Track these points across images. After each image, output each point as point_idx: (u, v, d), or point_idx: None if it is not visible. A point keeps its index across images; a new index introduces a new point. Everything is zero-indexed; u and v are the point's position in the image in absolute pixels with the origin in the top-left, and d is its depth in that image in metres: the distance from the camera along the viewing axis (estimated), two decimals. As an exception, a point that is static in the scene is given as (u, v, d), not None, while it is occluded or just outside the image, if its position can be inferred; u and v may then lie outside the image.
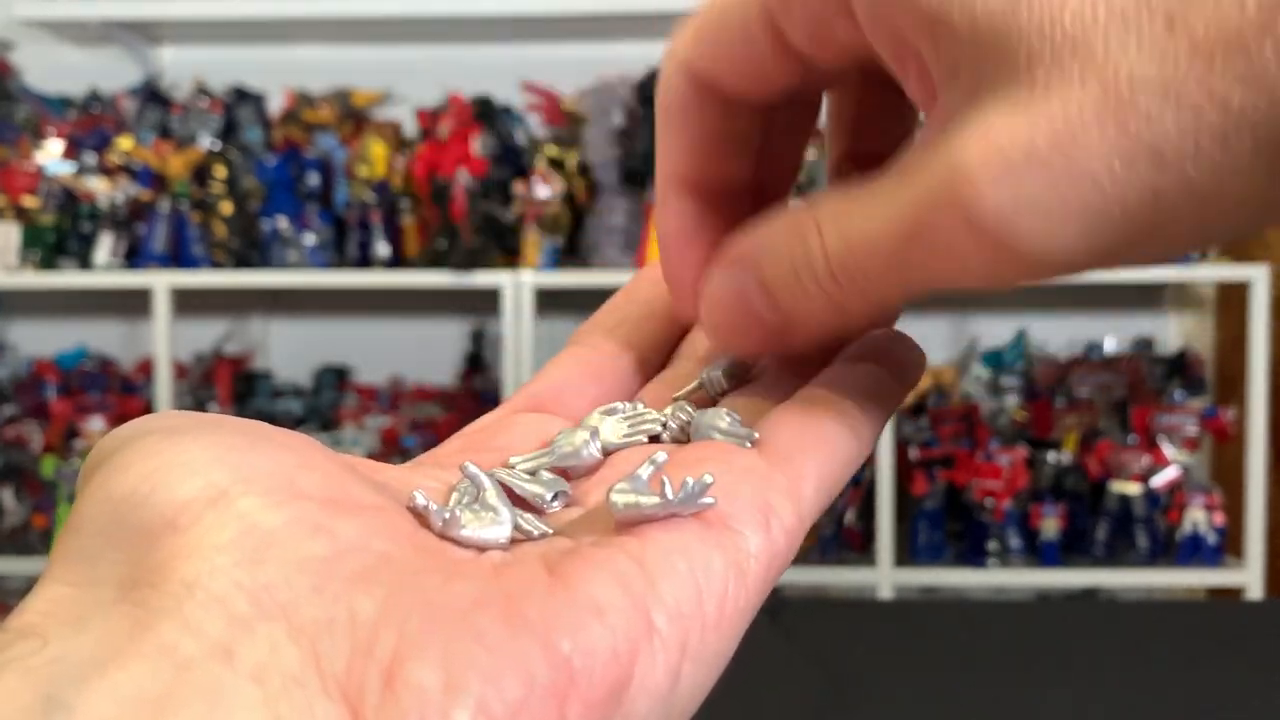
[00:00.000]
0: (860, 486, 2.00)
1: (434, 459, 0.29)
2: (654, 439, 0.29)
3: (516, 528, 0.23)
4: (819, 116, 0.32)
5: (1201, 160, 0.20)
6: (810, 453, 0.27)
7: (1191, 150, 0.20)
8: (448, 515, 0.22)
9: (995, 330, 2.20)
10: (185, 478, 0.20)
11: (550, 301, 2.04)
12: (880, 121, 0.31)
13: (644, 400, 0.31)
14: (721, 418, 0.28)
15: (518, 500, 0.25)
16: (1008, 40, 0.22)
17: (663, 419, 0.29)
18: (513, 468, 0.27)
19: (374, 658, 0.19)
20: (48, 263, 2.06)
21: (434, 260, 2.00)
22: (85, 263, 2.06)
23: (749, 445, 0.27)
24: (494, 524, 0.23)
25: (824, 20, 0.25)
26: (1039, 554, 1.96)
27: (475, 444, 0.29)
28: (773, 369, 0.32)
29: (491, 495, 0.23)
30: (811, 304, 0.26)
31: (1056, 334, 2.20)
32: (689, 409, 0.29)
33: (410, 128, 2.14)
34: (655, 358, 0.33)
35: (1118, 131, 0.21)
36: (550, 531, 0.24)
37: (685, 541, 0.22)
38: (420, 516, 0.23)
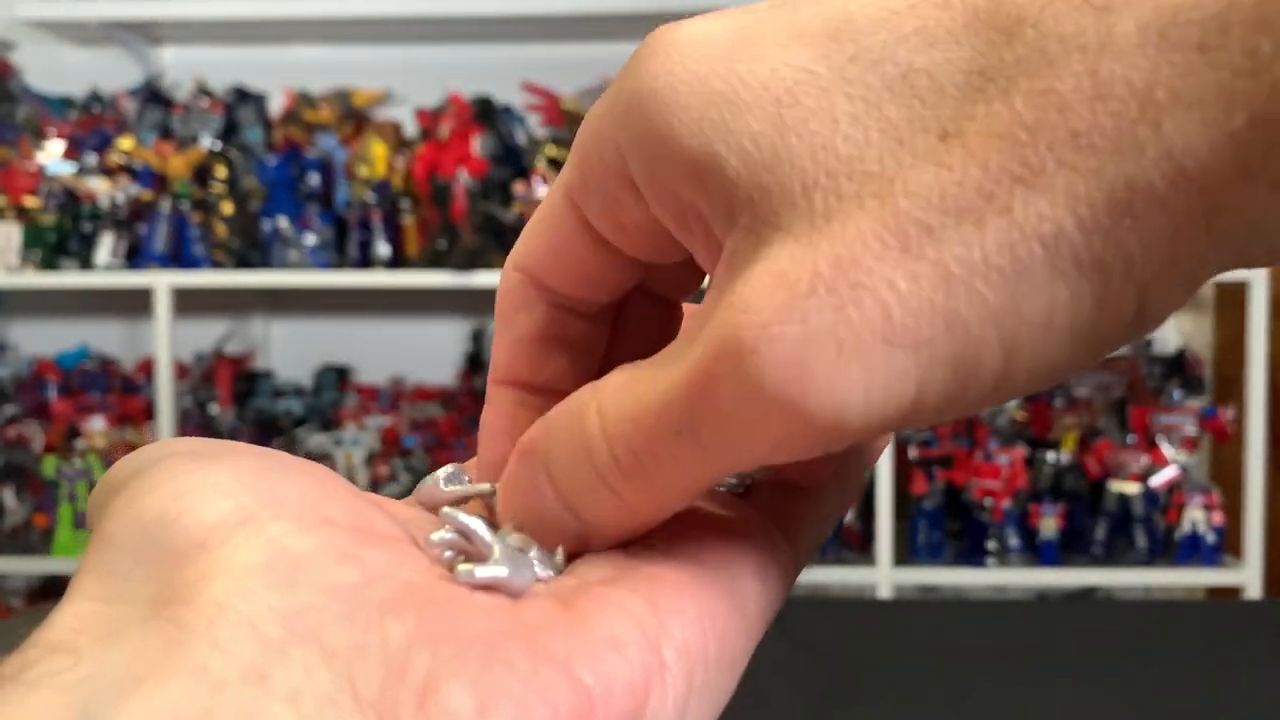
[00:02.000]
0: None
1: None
2: None
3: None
4: (679, 315, 0.29)
5: (991, 274, 0.19)
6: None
7: (979, 264, 0.19)
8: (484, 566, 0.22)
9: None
10: (215, 500, 0.21)
11: (550, 301, 2.04)
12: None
13: None
14: None
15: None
16: (781, 170, 0.20)
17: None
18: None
19: (407, 682, 0.19)
20: (49, 263, 2.06)
21: (434, 260, 2.00)
22: (86, 263, 2.06)
23: (741, 489, 0.27)
24: (518, 566, 0.23)
25: (615, 199, 0.24)
26: (1038, 553, 1.96)
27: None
28: None
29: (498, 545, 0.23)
30: (599, 499, 0.23)
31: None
32: None
33: (411, 128, 2.15)
34: None
35: (899, 249, 0.19)
36: (555, 574, 0.24)
37: (691, 587, 0.23)
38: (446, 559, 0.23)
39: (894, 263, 0.19)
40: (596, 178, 0.24)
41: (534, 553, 0.24)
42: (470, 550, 0.22)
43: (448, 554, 0.22)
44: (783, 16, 0.22)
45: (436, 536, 0.22)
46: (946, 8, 0.20)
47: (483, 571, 0.21)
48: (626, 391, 0.23)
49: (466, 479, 0.27)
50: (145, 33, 2.29)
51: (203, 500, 0.21)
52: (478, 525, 0.22)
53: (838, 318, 0.19)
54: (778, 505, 0.27)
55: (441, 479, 0.27)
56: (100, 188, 2.07)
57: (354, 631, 0.19)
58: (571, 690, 0.20)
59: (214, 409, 2.20)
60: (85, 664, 0.19)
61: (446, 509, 0.23)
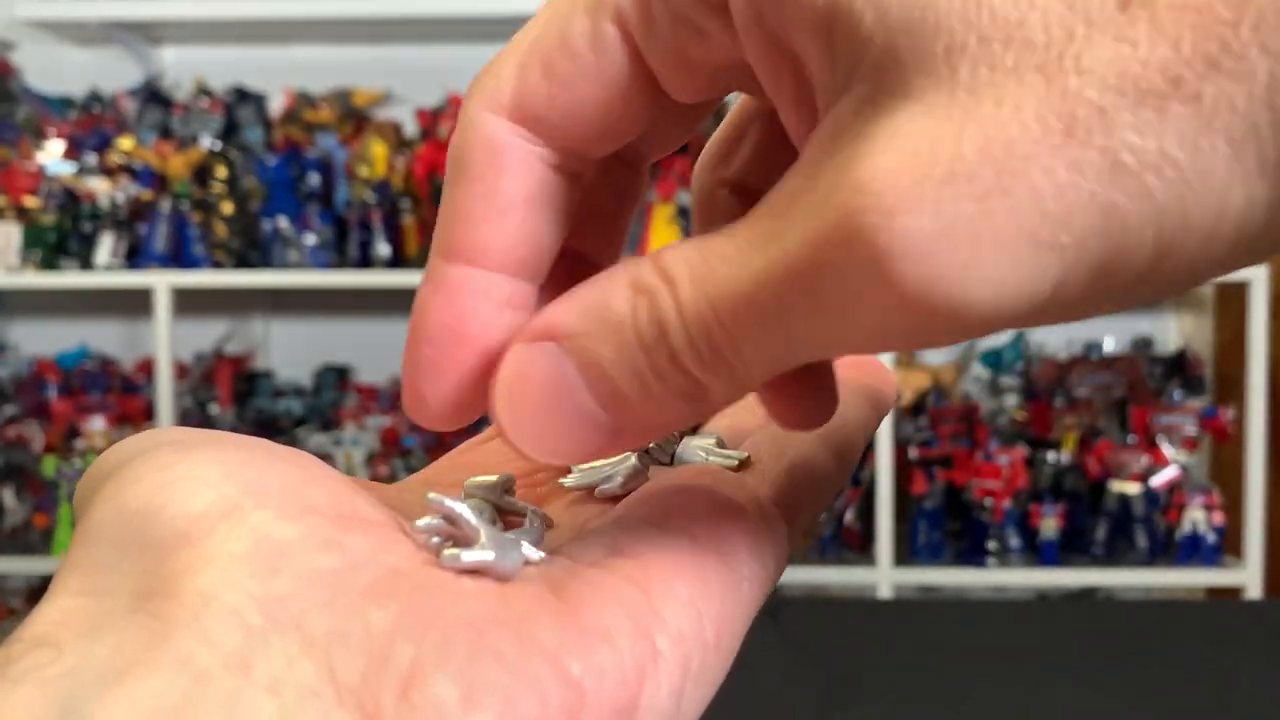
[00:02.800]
0: (860, 486, 2.00)
1: (424, 479, 0.28)
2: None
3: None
4: (646, 177, 0.26)
5: (1165, 169, 0.17)
6: (786, 460, 0.26)
7: (1153, 155, 0.16)
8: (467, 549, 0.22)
9: (995, 330, 2.20)
10: (198, 490, 0.20)
11: (550, 301, 2.03)
12: (765, 154, 0.26)
13: None
14: (709, 439, 0.27)
15: (511, 524, 0.25)
16: (922, 30, 0.18)
17: (649, 445, 0.27)
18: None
19: (390, 669, 0.19)
20: (49, 263, 2.06)
21: (434, 260, 1.99)
22: (86, 263, 2.06)
23: (735, 464, 0.26)
24: (506, 549, 0.22)
25: (696, 30, 0.21)
26: (1038, 553, 1.96)
27: (465, 463, 0.28)
28: None
29: (485, 527, 0.23)
30: (661, 389, 0.21)
31: (1055, 334, 2.20)
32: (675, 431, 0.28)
33: (411, 128, 2.14)
34: None
35: (1064, 134, 0.17)
36: (543, 555, 0.23)
37: (684, 568, 0.22)
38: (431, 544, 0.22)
39: (1054, 149, 0.17)
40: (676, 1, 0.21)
41: (525, 533, 0.23)
42: (457, 535, 0.22)
43: (434, 540, 0.22)
44: None
45: (422, 523, 0.22)
46: None
47: (469, 556, 0.21)
48: (707, 268, 0.20)
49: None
50: (145, 33, 2.29)
51: (186, 491, 0.20)
52: (463, 509, 0.22)
53: (979, 209, 0.17)
54: (774, 480, 0.26)
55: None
56: (100, 188, 2.07)
57: (335, 619, 0.19)
58: (560, 682, 0.20)
59: (214, 409, 2.19)
60: (68, 658, 0.18)
61: (431, 494, 0.22)
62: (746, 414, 0.29)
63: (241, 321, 2.36)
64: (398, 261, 2.04)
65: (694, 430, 0.29)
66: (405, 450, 2.12)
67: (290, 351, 2.37)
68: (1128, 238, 0.17)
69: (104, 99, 2.20)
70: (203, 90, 2.17)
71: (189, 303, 2.12)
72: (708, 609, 0.22)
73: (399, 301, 2.32)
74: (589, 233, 0.26)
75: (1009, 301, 0.17)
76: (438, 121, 2.06)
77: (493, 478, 0.26)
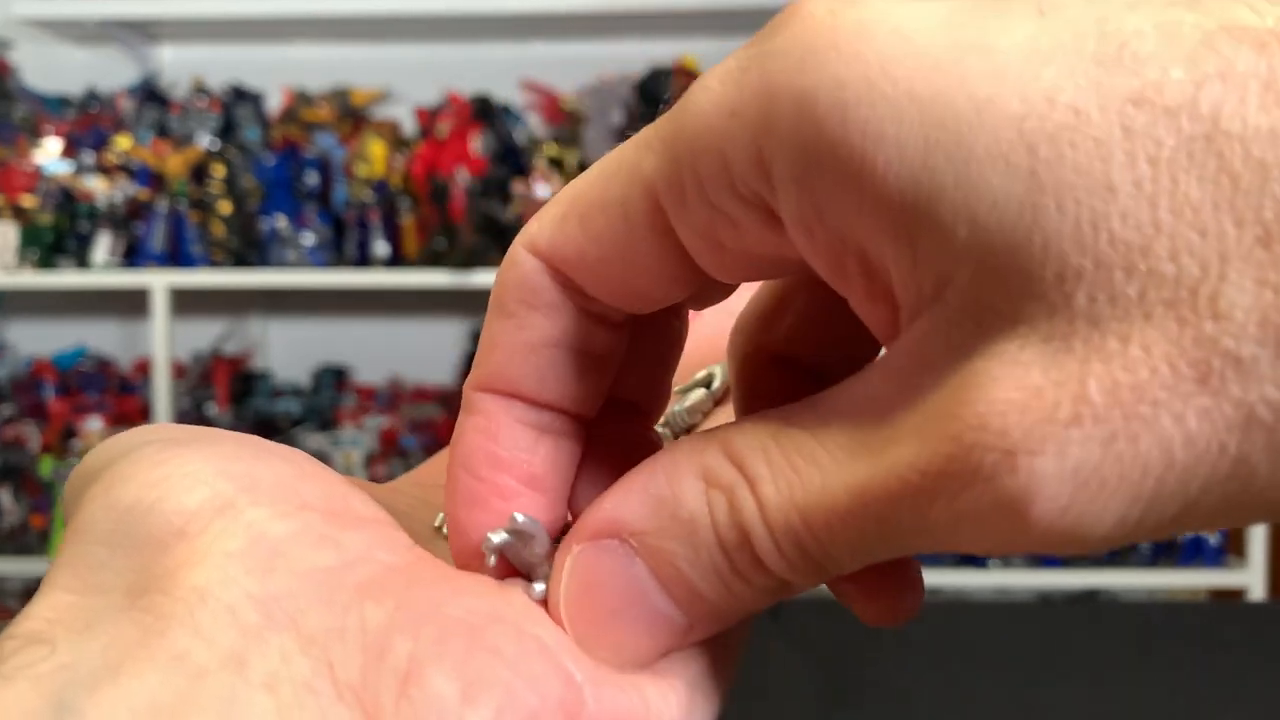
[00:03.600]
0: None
1: (417, 479, 0.28)
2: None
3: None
4: (687, 326, 0.25)
5: None
6: None
7: None
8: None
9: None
10: (192, 487, 0.20)
11: (550, 301, 2.03)
12: (813, 324, 0.24)
13: None
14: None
15: None
16: (1029, 251, 0.16)
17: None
18: None
19: (388, 665, 0.19)
20: (46, 262, 2.05)
21: (433, 260, 1.99)
22: (83, 262, 2.06)
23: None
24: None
25: (727, 217, 0.19)
26: (1041, 555, 1.95)
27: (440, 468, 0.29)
28: None
29: (539, 546, 0.22)
30: (743, 589, 0.20)
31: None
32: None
33: (409, 127, 2.14)
34: None
35: (1197, 382, 0.15)
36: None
37: None
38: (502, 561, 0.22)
39: (1186, 396, 0.15)
40: (710, 185, 0.19)
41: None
42: (518, 553, 0.21)
43: (491, 559, 0.21)
44: (1024, 18, 0.17)
45: (497, 539, 0.21)
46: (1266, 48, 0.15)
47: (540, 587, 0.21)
48: (792, 473, 0.19)
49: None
50: (143, 32, 2.28)
51: (179, 487, 0.20)
52: (537, 528, 0.21)
53: (1105, 453, 0.16)
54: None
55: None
56: (97, 187, 2.07)
57: (332, 615, 0.19)
58: (560, 681, 0.19)
59: (212, 409, 2.19)
60: (61, 654, 0.18)
61: (518, 514, 0.21)
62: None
63: (239, 321, 2.36)
64: (396, 261, 2.03)
65: None
66: (403, 451, 2.12)
67: (288, 351, 2.36)
68: (1252, 486, 0.16)
69: (101, 98, 2.20)
70: (200, 89, 2.16)
71: (186, 302, 2.12)
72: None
73: (397, 301, 2.31)
74: (632, 377, 0.24)
75: (1129, 530, 0.16)
76: (436, 120, 2.06)
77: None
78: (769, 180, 0.18)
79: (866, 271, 0.18)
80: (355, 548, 0.20)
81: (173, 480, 0.20)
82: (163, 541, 0.19)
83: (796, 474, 0.19)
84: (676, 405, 0.28)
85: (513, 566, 0.22)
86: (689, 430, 0.28)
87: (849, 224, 0.17)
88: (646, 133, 0.20)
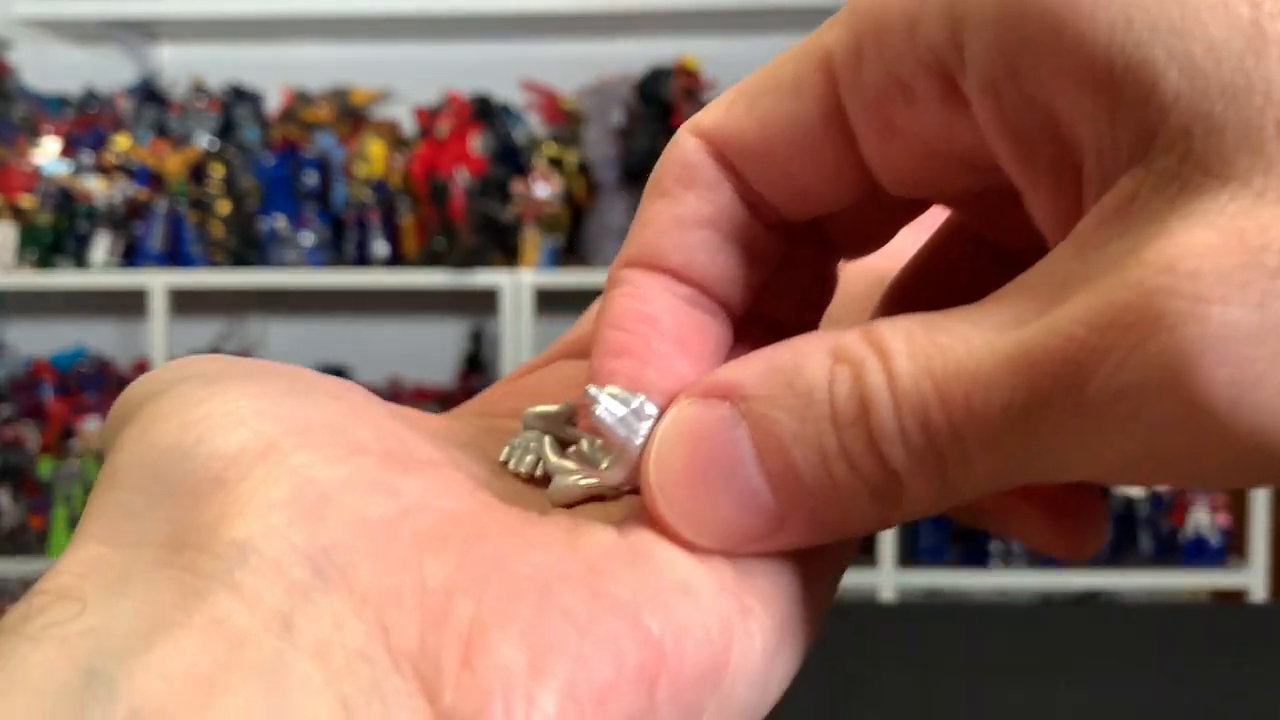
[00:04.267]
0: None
1: (479, 407, 0.26)
2: None
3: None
4: (838, 277, 0.24)
5: None
6: None
7: None
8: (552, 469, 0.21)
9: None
10: (232, 428, 0.18)
11: (549, 301, 2.03)
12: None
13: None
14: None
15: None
16: (1248, 97, 0.15)
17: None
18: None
19: (449, 630, 0.17)
20: (45, 262, 2.05)
21: (432, 260, 1.99)
22: (82, 262, 2.05)
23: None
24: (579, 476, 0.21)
25: (906, 88, 0.18)
26: (1042, 555, 1.95)
27: (520, 389, 0.26)
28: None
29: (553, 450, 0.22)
30: (847, 478, 0.18)
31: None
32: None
33: (409, 126, 2.14)
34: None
35: None
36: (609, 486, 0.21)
37: None
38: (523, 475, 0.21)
39: None
40: (890, 51, 0.18)
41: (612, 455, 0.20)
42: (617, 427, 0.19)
43: (603, 414, 0.19)
44: None
45: (599, 393, 0.20)
46: None
47: (581, 480, 0.20)
48: (933, 346, 0.17)
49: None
50: (142, 31, 2.28)
51: (219, 429, 0.18)
52: (644, 404, 0.20)
53: None
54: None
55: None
56: (96, 187, 2.06)
57: (388, 572, 0.17)
58: (637, 642, 0.17)
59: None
60: (90, 614, 0.16)
61: (591, 388, 0.20)
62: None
63: (238, 321, 2.36)
64: (395, 261, 2.03)
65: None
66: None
67: (287, 351, 2.36)
68: None
69: (100, 98, 2.20)
70: (199, 89, 2.16)
71: (185, 302, 2.11)
72: (798, 559, 0.19)
73: (397, 301, 2.31)
74: (778, 309, 0.23)
75: None
76: (436, 120, 2.06)
77: (554, 407, 0.23)
78: (957, 42, 0.17)
79: (1055, 139, 0.17)
80: (413, 494, 0.19)
81: (212, 420, 0.18)
82: (200, 490, 0.18)
83: (939, 347, 0.17)
84: None
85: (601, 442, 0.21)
86: None
87: (1044, 83, 0.16)
88: (834, 16, 0.19)
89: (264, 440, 0.18)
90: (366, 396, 0.21)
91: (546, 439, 0.22)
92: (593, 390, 0.20)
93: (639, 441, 0.20)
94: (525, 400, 0.24)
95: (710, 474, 0.19)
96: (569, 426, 0.23)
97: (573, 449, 0.22)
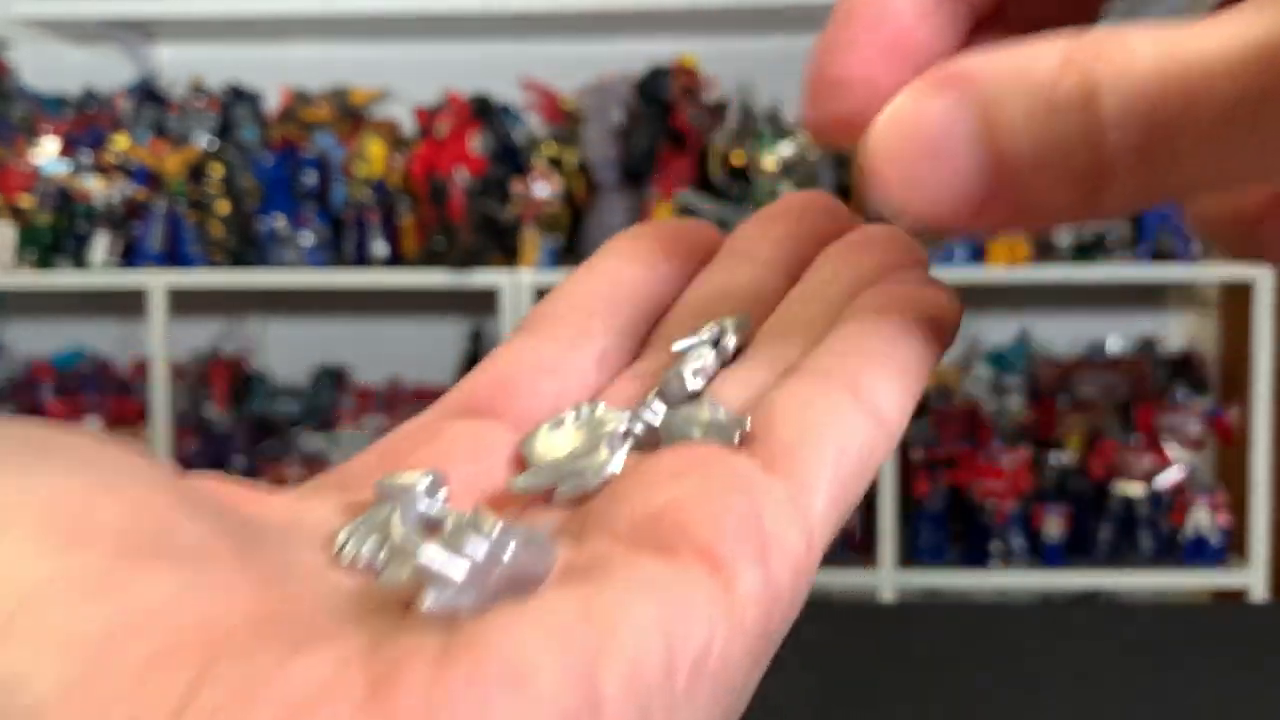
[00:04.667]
0: (861, 487, 1.99)
1: (339, 478, 0.22)
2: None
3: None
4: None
5: None
6: (819, 445, 0.20)
7: None
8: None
9: (998, 330, 2.19)
10: None
11: (549, 301, 2.02)
12: None
13: (608, 400, 0.24)
14: (702, 409, 0.22)
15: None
16: None
17: (625, 425, 0.23)
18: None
19: None
20: (44, 262, 2.05)
21: (432, 260, 1.98)
22: (81, 262, 2.05)
23: (737, 440, 0.21)
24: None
25: None
26: (1042, 555, 1.95)
27: (395, 458, 0.22)
28: (771, 332, 0.25)
29: (400, 529, 0.19)
30: (1059, 161, 0.18)
31: (1059, 334, 2.19)
32: (656, 406, 0.23)
33: (408, 126, 2.13)
34: (625, 345, 0.26)
35: None
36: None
37: (654, 582, 0.17)
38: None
39: None
40: None
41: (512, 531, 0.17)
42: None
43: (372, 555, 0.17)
44: None
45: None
46: None
47: (441, 571, 0.16)
48: (1155, 45, 0.16)
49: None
50: (141, 31, 2.28)
51: None
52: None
53: None
54: (820, 484, 0.20)
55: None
56: (95, 187, 2.06)
57: (88, 713, 0.13)
58: None
59: (210, 410, 2.18)
60: None
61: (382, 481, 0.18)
62: (764, 367, 0.24)
63: (237, 321, 2.35)
64: (395, 261, 2.03)
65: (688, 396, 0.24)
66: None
67: (287, 352, 2.36)
68: None
69: (99, 98, 2.19)
70: (198, 89, 2.16)
71: (184, 302, 2.11)
72: (684, 643, 0.17)
73: (396, 301, 2.30)
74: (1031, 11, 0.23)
75: None
76: (435, 120, 2.05)
77: (414, 474, 0.20)
78: None
79: None
80: (153, 596, 0.15)
81: None
82: None
83: (1177, 40, 0.16)
84: (675, 367, 0.24)
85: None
86: (690, 399, 0.24)
87: None
88: None
89: None
90: (140, 466, 0.17)
91: (397, 515, 0.19)
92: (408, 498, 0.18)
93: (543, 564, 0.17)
94: (391, 470, 0.21)
95: (932, 151, 0.19)
96: (432, 499, 0.20)
97: (442, 531, 0.19)
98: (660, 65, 1.99)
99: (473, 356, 2.28)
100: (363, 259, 2.03)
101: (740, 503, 0.19)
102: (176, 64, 2.32)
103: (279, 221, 2.02)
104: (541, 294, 1.97)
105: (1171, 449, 1.96)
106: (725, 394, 0.23)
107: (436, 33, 2.24)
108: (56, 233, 2.06)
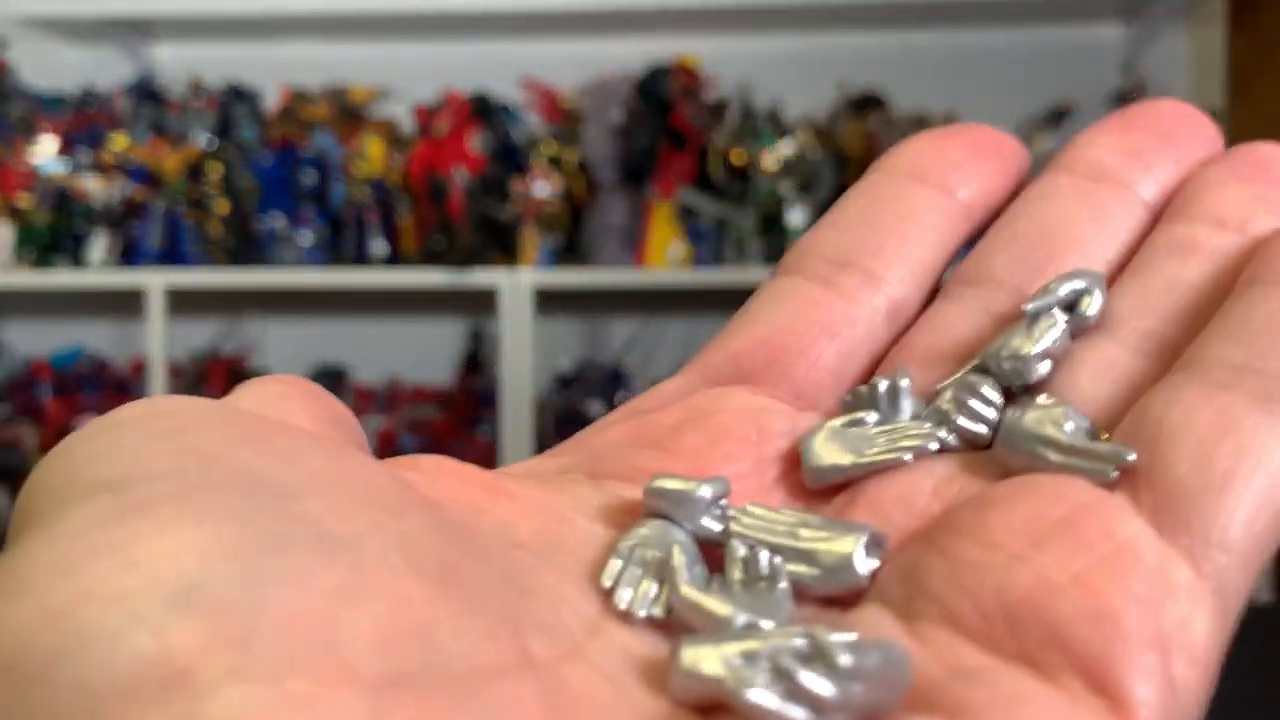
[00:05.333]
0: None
1: (588, 455, 0.18)
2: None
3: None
4: None
5: None
6: (1232, 489, 0.15)
7: None
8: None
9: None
10: (123, 627, 0.11)
11: (549, 301, 2.02)
12: None
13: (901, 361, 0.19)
14: (1055, 418, 0.16)
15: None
16: None
17: (934, 431, 0.18)
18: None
19: None
20: (42, 262, 2.04)
21: (431, 259, 1.98)
22: (79, 262, 2.04)
23: (1114, 476, 0.16)
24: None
25: None
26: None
27: (652, 438, 0.18)
28: (1132, 292, 0.18)
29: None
30: None
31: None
32: (987, 392, 0.18)
33: (407, 125, 2.13)
34: (918, 294, 0.21)
35: None
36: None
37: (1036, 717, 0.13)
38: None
39: None
40: None
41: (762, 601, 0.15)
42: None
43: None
44: None
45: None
46: None
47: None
48: None
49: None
50: (139, 30, 2.27)
51: (101, 624, 0.11)
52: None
53: None
54: (1236, 549, 0.16)
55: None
56: (94, 186, 2.05)
57: None
58: None
59: (209, 410, 2.18)
60: None
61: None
62: (1132, 348, 0.18)
63: (236, 321, 2.35)
64: (394, 260, 2.02)
65: (1023, 388, 0.18)
66: (402, 452, 2.10)
67: (286, 351, 2.35)
68: None
69: (97, 97, 2.19)
70: (197, 88, 2.15)
71: (183, 302, 2.10)
72: None
73: (395, 301, 2.30)
74: None
75: None
76: (434, 119, 2.05)
77: (691, 483, 0.16)
78: None
79: None
80: None
81: (96, 604, 0.11)
82: None
83: None
84: (1009, 339, 0.18)
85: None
86: (1028, 391, 0.18)
87: None
88: None
89: (174, 657, 0.11)
90: (386, 500, 0.14)
91: (677, 548, 0.15)
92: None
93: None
94: (654, 455, 0.18)
95: None
96: (714, 513, 0.16)
97: (719, 576, 0.15)
98: (660, 64, 1.99)
99: (472, 356, 2.27)
100: (362, 258, 2.02)
101: (1137, 592, 0.14)
102: (175, 63, 2.31)
103: (278, 221, 2.02)
104: (541, 293, 1.98)
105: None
106: (1082, 387, 0.18)
107: (436, 31, 2.24)
108: (55, 232, 2.06)
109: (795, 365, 0.20)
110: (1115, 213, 0.21)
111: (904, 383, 0.18)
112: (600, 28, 2.18)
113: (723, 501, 0.17)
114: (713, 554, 0.16)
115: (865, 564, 0.16)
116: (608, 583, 0.15)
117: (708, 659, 0.13)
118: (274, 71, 2.20)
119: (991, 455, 0.17)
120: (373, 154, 2.04)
